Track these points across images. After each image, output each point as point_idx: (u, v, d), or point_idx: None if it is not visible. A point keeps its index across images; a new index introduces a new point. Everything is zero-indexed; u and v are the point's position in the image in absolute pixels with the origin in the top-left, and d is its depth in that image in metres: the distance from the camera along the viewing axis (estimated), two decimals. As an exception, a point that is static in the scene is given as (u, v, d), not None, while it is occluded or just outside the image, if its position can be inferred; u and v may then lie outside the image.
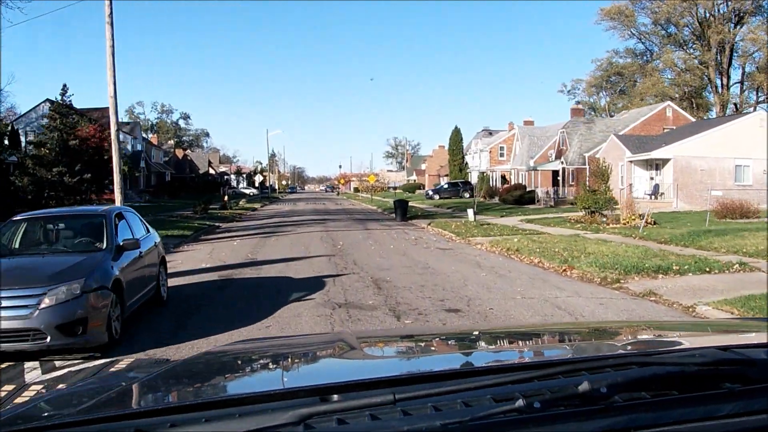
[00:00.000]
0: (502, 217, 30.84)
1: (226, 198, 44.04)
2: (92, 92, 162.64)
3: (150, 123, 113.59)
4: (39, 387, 1.97)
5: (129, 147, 60.71)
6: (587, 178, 41.82)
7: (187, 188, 76.93)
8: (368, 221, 29.39)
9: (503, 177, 57.74)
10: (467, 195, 57.61)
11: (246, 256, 14.48)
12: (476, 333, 2.66)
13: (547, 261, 13.40)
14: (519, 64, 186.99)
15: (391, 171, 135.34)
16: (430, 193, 58.22)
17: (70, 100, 28.93)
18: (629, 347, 1.88)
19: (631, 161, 36.50)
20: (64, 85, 29.56)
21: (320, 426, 1.05)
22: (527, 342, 2.18)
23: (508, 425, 1.06)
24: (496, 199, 50.91)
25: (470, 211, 24.08)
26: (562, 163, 44.00)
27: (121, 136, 56.17)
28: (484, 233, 20.83)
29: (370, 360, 1.79)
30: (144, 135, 79.46)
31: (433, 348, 2.10)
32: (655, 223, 22.53)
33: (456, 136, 64.96)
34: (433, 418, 1.07)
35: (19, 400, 1.63)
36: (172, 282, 10.11)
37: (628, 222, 22.64)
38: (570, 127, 46.05)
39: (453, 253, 15.70)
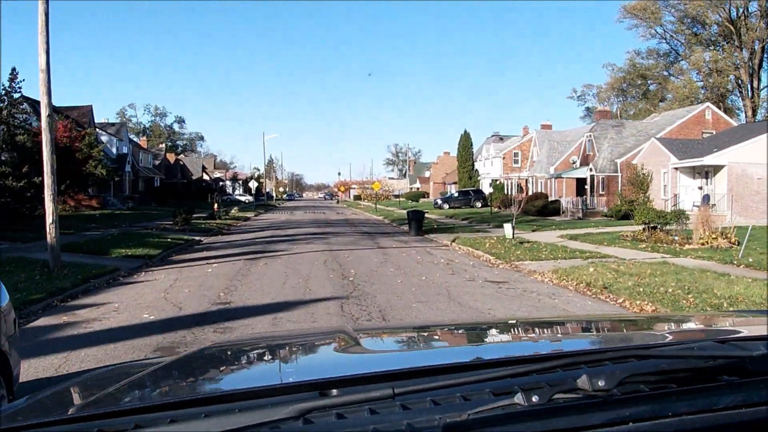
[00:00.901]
0: (533, 231, 26.32)
1: (216, 206, 39.51)
2: (74, 89, 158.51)
3: (142, 126, 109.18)
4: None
5: (114, 150, 56.19)
6: (619, 187, 37.43)
7: (177, 194, 72.51)
8: (378, 236, 24.80)
9: (519, 185, 53.22)
10: (479, 204, 53.14)
11: (216, 299, 9.81)
12: (475, 327, 2.59)
13: (667, 310, 8.85)
14: (524, 70, 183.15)
15: (392, 179, 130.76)
16: (439, 202, 53.67)
17: (19, 87, 24.21)
18: (628, 340, 1.92)
19: (676, 168, 32.03)
20: (13, 69, 24.81)
21: (319, 420, 1.05)
22: (526, 335, 2.15)
23: (507, 419, 1.04)
24: (514, 210, 46.43)
25: (507, 227, 19.50)
26: (591, 170, 39.50)
27: (105, 138, 51.34)
28: (532, 256, 16.30)
29: (370, 354, 1.76)
30: (136, 138, 74.88)
31: (432, 342, 2.09)
32: (738, 243, 17.98)
33: (465, 141, 60.50)
34: (432, 412, 1.06)
35: None
36: (57, 362, 5.56)
37: (707, 241, 18.08)
38: (598, 130, 41.61)
39: (512, 290, 11.12)
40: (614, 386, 1.10)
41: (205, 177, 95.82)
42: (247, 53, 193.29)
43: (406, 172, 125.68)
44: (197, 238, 22.20)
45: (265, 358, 1.89)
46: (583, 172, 40.65)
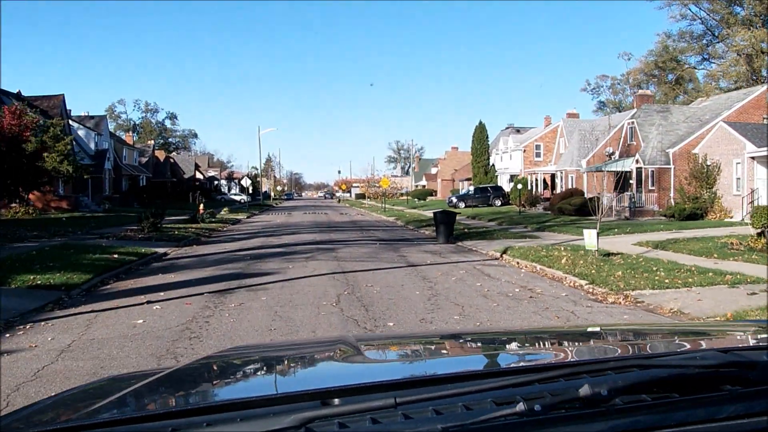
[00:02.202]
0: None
1: (201, 207, 33.95)
2: (59, 83, 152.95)
3: (132, 123, 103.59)
4: None
5: (92, 145, 50.61)
6: (672, 181, 31.90)
7: (166, 194, 66.99)
8: (400, 244, 19.26)
9: (545, 181, 47.65)
10: (498, 202, 47.62)
11: None
12: (477, 336, 2.51)
13: None
14: (532, 63, 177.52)
15: (395, 176, 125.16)
16: (454, 200, 48.08)
17: None
18: (630, 350, 1.91)
19: (752, 157, 26.49)
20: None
21: (321, 430, 1.04)
22: (528, 345, 2.14)
23: (509, 428, 1.05)
24: (540, 208, 40.88)
25: (590, 233, 13.81)
26: (637, 161, 33.93)
27: (82, 132, 45.53)
28: (644, 279, 10.82)
29: (372, 363, 1.75)
30: (126, 135, 69.29)
31: (434, 351, 2.08)
32: None
33: (480, 134, 54.85)
34: (434, 422, 1.06)
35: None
36: None
37: None
38: (641, 117, 36.08)
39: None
40: (616, 396, 1.10)
41: (199, 176, 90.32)
42: (243, 49, 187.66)
43: (409, 170, 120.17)
44: (162, 250, 16.63)
45: (267, 367, 1.84)
46: (628, 165, 35.10)
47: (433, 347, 2.17)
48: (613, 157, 39.31)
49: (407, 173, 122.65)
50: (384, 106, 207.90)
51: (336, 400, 1.16)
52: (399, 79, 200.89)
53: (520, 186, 40.36)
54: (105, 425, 1.13)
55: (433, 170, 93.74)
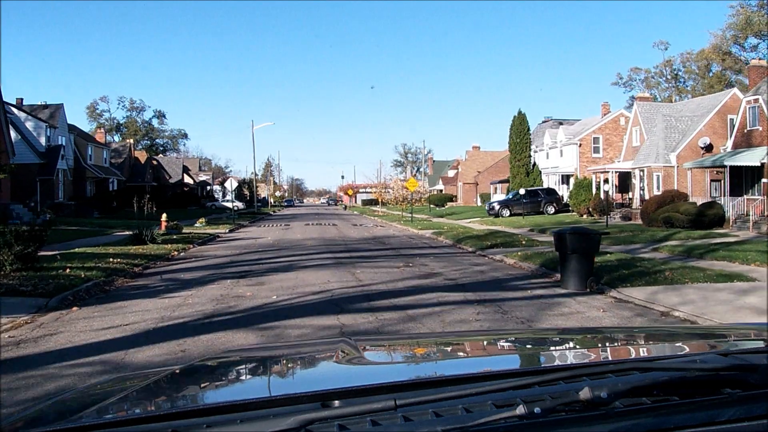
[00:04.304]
0: None
1: (164, 219, 24.15)
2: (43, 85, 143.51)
3: (116, 122, 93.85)
4: None
5: (43, 140, 40.76)
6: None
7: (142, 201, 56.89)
8: (493, 292, 9.30)
9: (621, 180, 37.51)
10: (551, 209, 37.67)
11: None
12: (478, 339, 2.51)
13: None
14: (535, 60, 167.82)
15: (403, 180, 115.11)
16: (496, 206, 38.08)
17: None
18: (630, 353, 1.91)
19: None
20: None
21: None
22: (528, 347, 2.10)
23: (508, 431, 1.04)
24: (617, 217, 30.94)
25: None
26: (779, 152, 24.01)
27: (30, 124, 34.39)
28: None
29: (372, 366, 1.72)
30: (97, 132, 59.41)
31: (434, 354, 2.02)
32: None
33: (520, 126, 44.87)
34: (433, 424, 1.06)
35: None
36: None
37: None
38: (766, 92, 26.23)
39: None
40: (616, 399, 1.10)
41: (188, 180, 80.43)
42: (241, 51, 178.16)
43: (418, 173, 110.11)
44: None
45: (267, 369, 1.82)
46: (757, 157, 25.19)
47: (433, 349, 2.08)
48: (723, 149, 29.40)
49: (415, 176, 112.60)
50: (386, 108, 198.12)
51: (336, 402, 1.14)
52: (402, 80, 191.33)
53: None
54: (105, 426, 1.12)
55: (450, 173, 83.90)
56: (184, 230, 24.89)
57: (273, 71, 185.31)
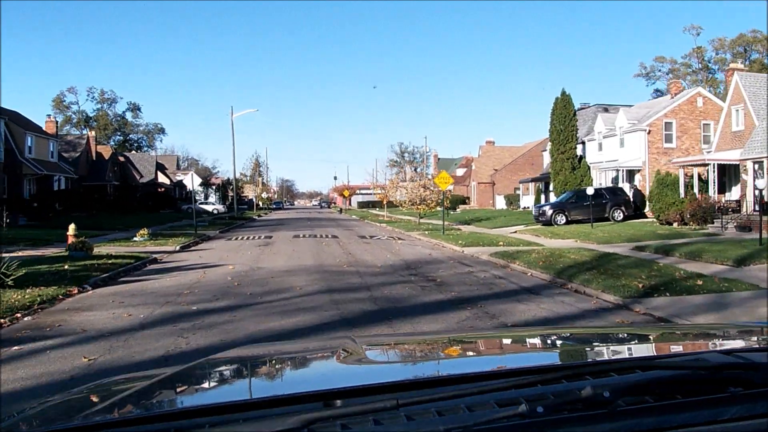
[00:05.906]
0: None
1: (71, 232, 14.98)
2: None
3: (85, 115, 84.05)
4: None
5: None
6: None
7: (106, 204, 47.71)
8: None
9: (723, 175, 28.44)
10: (618, 214, 28.71)
11: None
12: (480, 337, 2.46)
13: None
14: (552, 51, 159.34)
15: (403, 181, 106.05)
16: (548, 212, 29.14)
17: None
18: (632, 351, 1.88)
19: None
20: None
21: (324, 431, 1.04)
22: (530, 346, 2.08)
23: (511, 430, 1.04)
24: (732, 226, 22.02)
25: None
26: None
27: None
28: None
29: (374, 365, 1.74)
30: (47, 121, 49.85)
31: (437, 353, 2.01)
32: None
33: (564, 109, 36.10)
34: (436, 423, 1.06)
35: None
36: None
37: None
38: None
39: None
40: (619, 397, 1.09)
41: (163, 179, 70.92)
42: (228, 47, 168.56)
43: (416, 173, 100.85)
44: None
45: (269, 368, 1.80)
46: None
47: (436, 349, 2.06)
48: None
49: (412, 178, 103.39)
50: (380, 107, 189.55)
51: (338, 402, 1.13)
52: (400, 76, 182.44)
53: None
54: (108, 426, 1.11)
55: (459, 171, 75.05)
56: (101, 249, 15.98)
57: (262, 71, 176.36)
